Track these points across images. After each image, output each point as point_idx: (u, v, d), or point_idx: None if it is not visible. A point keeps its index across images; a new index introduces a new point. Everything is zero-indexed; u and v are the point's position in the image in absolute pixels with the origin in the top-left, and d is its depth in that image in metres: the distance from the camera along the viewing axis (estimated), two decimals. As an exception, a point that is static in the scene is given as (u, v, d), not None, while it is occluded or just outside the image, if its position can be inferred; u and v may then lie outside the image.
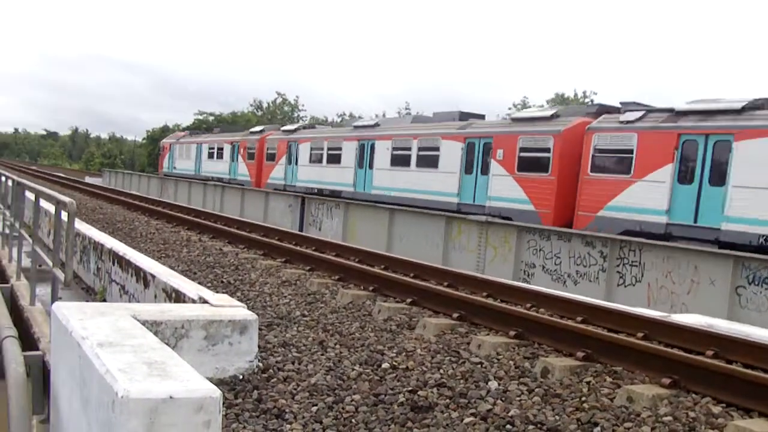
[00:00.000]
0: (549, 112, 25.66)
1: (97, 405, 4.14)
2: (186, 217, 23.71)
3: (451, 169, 27.76)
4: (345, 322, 9.45)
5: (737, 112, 19.36)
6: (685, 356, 7.49)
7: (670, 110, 21.44)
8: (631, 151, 21.44)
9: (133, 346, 4.69)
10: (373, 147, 32.68)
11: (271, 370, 6.99)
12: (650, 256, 18.15)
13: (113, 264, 11.26)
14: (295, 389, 6.55)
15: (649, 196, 20.71)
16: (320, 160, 37.37)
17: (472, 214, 24.83)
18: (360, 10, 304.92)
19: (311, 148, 38.25)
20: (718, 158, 19.33)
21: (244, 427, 5.63)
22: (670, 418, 6.18)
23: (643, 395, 6.56)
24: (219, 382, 6.27)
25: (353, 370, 7.20)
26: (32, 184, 12.72)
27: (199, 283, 10.08)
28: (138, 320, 5.71)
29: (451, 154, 27.80)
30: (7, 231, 15.47)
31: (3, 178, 18.50)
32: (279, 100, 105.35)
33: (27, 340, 8.43)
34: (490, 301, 10.53)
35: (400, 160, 30.64)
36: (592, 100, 69.37)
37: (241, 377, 6.65)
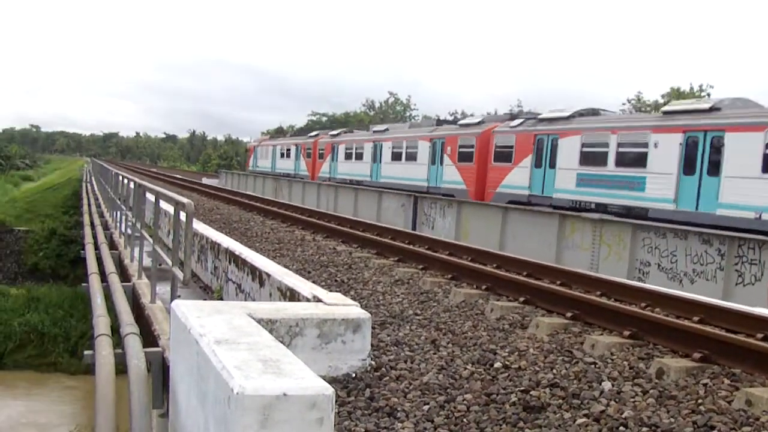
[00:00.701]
0: (476, 120, 36.28)
1: (213, 400, 4.23)
2: (300, 217, 24.06)
3: (423, 161, 37.81)
4: (457, 321, 9.41)
5: (565, 119, 28.64)
6: (812, 359, 7.18)
7: (535, 117, 31.13)
8: (512, 147, 30.78)
9: (249, 343, 4.77)
10: (382, 147, 43.06)
11: (383, 369, 7.02)
12: (772, 253, 17.46)
13: (229, 263, 11.50)
14: (407, 388, 6.55)
15: (519, 177, 30.04)
16: (351, 157, 47.74)
17: (437, 193, 34.73)
18: (474, 9, 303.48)
19: (346, 149, 48.85)
20: (554, 150, 28.39)
21: (356, 425, 5.66)
22: (795, 422, 5.93)
23: (763, 398, 6.28)
24: (332, 380, 6.33)
25: (465, 369, 7.16)
26: (153, 186, 13.12)
27: (313, 281, 10.19)
28: (253, 318, 5.81)
29: (424, 151, 37.79)
30: (129, 232, 16.00)
31: (126, 181, 19.15)
32: (391, 99, 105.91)
33: (148, 336, 8.69)
34: (604, 300, 10.32)
35: (396, 156, 41.04)
36: (708, 94, 67.31)
37: (353, 375, 6.69)
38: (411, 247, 16.17)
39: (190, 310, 5.64)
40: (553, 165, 28.17)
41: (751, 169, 20.17)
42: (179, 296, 8.29)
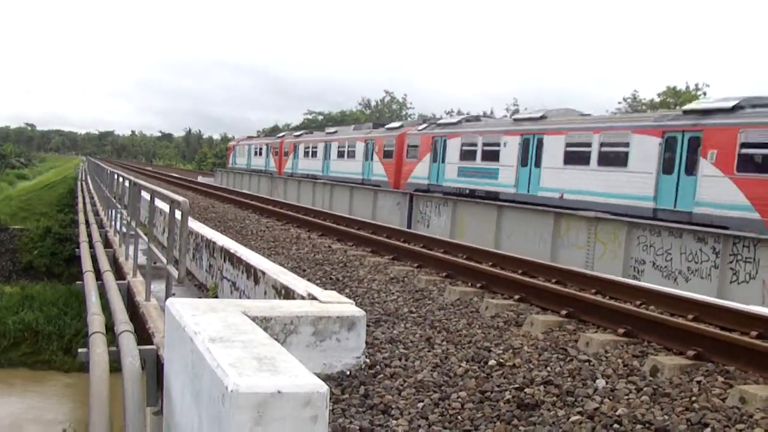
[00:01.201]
0: (398, 125, 43.52)
1: (208, 398, 4.23)
2: (295, 215, 24.09)
3: (359, 158, 44.67)
4: (452, 319, 9.42)
5: (454, 124, 35.64)
6: (806, 356, 7.21)
7: (436, 123, 39.04)
8: (418, 146, 37.31)
9: (243, 341, 4.77)
10: (331, 146, 50.08)
11: (378, 367, 7.02)
12: (766, 252, 17.48)
13: (224, 261, 11.50)
14: (401, 385, 6.55)
15: (423, 170, 36.43)
16: (309, 155, 54.44)
17: (368, 184, 41.04)
18: (472, 8, 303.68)
19: (305, 148, 55.76)
20: (442, 149, 34.76)
21: (351, 422, 5.66)
22: (788, 420, 5.94)
23: (756, 396, 6.30)
24: (326, 378, 6.33)
25: (460, 366, 7.17)
26: (148, 184, 13.11)
27: (308, 279, 10.19)
28: (248, 316, 5.81)
29: (360, 150, 44.78)
30: (124, 230, 15.99)
31: (121, 179, 19.14)
32: (387, 98, 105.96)
33: (142, 334, 8.69)
34: (598, 298, 10.34)
35: (341, 154, 48.06)
36: (705, 93, 67.45)
37: (348, 373, 6.69)
38: (406, 245, 16.19)
39: (185, 308, 5.64)
40: (444, 160, 34.75)
41: (557, 161, 26.94)
42: (174, 294, 8.28)
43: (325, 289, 8.38)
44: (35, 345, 28.10)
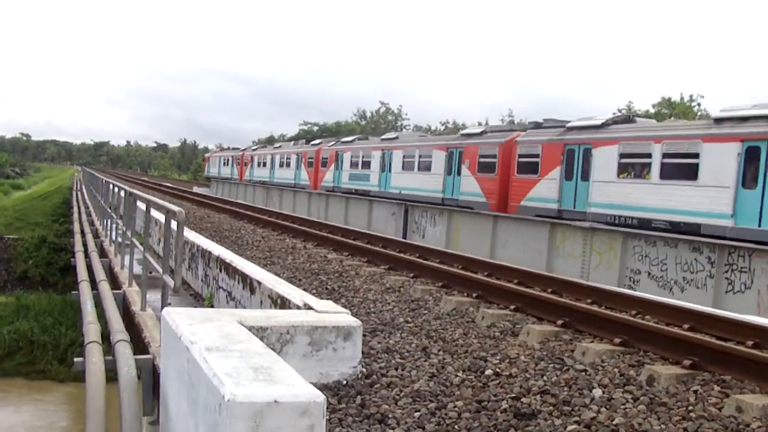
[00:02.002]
0: (318, 141, 55.63)
1: (204, 407, 4.23)
2: (291, 225, 24.08)
3: (293, 167, 56.61)
4: (448, 329, 9.42)
5: (346, 142, 47.50)
6: (801, 366, 7.24)
7: (339, 140, 50.97)
8: (327, 158, 49.29)
9: (240, 351, 4.77)
10: (276, 158, 62.19)
11: (374, 376, 7.02)
12: (761, 262, 17.53)
13: (220, 271, 11.50)
14: (398, 395, 6.55)
15: (330, 176, 48.27)
16: (262, 165, 66.04)
17: (300, 188, 53.10)
18: (467, 18, 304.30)
19: (258, 159, 68.22)
20: (341, 160, 46.77)
21: (348, 432, 5.66)
22: (784, 429, 5.95)
23: (752, 405, 6.31)
24: (323, 388, 6.32)
25: (456, 376, 7.17)
26: (143, 194, 13.11)
27: (304, 289, 10.18)
28: (244, 326, 5.81)
29: (293, 160, 56.78)
30: (119, 240, 15.97)
31: (116, 190, 19.12)
32: (383, 109, 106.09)
33: (138, 344, 8.69)
34: (594, 307, 10.34)
35: (282, 164, 60.06)
36: (699, 104, 67.76)
37: (344, 383, 6.69)
38: (402, 255, 16.19)
39: (181, 318, 5.64)
40: (339, 168, 47.06)
41: (441, 169, 34.61)
42: (170, 304, 8.27)
43: (321, 298, 8.38)
44: (30, 355, 27.95)
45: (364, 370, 7.01)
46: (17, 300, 33.10)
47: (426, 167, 35.63)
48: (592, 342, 8.76)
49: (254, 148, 75.43)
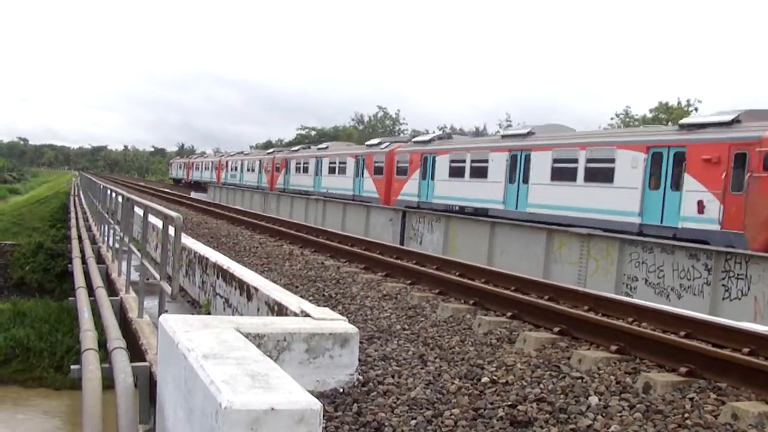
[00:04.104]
0: (272, 150, 70.32)
1: (201, 415, 4.23)
2: (288, 231, 24.03)
3: (255, 172, 69.00)
4: (445, 336, 9.42)
5: (293, 150, 63.29)
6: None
7: (288, 149, 69.10)
8: (280, 165, 61.61)
9: (237, 358, 4.78)
10: (243, 163, 74.12)
11: (371, 384, 7.02)
12: (757, 268, 17.54)
13: (217, 278, 11.50)
14: (394, 403, 6.56)
15: (281, 179, 60.56)
16: (229, 169, 79.69)
17: (266, 190, 61.29)
18: (464, 23, 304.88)
19: (205, 164, 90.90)
20: (288, 166, 59.74)
21: (345, 440, 5.67)
22: (781, 437, 5.97)
23: (748, 412, 6.32)
24: (319, 395, 6.33)
25: (453, 383, 7.17)
26: (141, 200, 13.11)
27: (301, 296, 10.19)
28: (241, 333, 5.82)
29: (256, 166, 69.25)
30: (117, 246, 15.96)
31: (114, 195, 19.12)
32: (380, 114, 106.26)
33: (135, 351, 8.68)
34: (591, 315, 10.34)
35: (247, 169, 72.67)
36: (696, 108, 67.99)
37: (341, 390, 6.69)
38: (399, 261, 16.19)
39: (178, 325, 5.65)
40: (288, 172, 58.56)
41: (352, 173, 46.03)
42: (167, 310, 8.27)
43: (318, 305, 8.39)
44: (26, 362, 27.87)
45: (360, 377, 7.02)
46: (13, 306, 33.01)
47: (342, 171, 48.15)
48: (589, 349, 8.77)
49: (208, 153, 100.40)
